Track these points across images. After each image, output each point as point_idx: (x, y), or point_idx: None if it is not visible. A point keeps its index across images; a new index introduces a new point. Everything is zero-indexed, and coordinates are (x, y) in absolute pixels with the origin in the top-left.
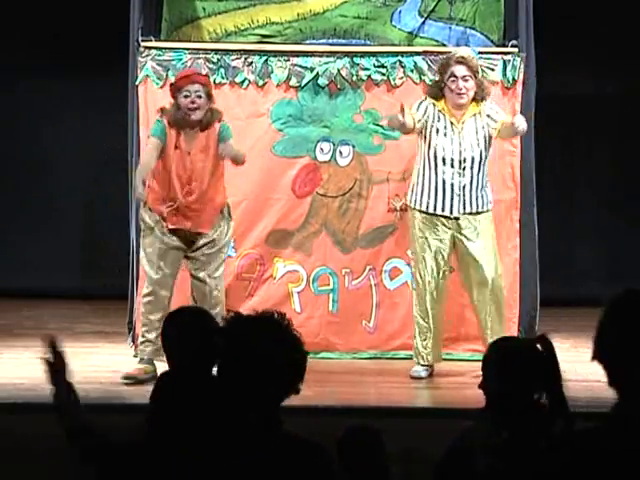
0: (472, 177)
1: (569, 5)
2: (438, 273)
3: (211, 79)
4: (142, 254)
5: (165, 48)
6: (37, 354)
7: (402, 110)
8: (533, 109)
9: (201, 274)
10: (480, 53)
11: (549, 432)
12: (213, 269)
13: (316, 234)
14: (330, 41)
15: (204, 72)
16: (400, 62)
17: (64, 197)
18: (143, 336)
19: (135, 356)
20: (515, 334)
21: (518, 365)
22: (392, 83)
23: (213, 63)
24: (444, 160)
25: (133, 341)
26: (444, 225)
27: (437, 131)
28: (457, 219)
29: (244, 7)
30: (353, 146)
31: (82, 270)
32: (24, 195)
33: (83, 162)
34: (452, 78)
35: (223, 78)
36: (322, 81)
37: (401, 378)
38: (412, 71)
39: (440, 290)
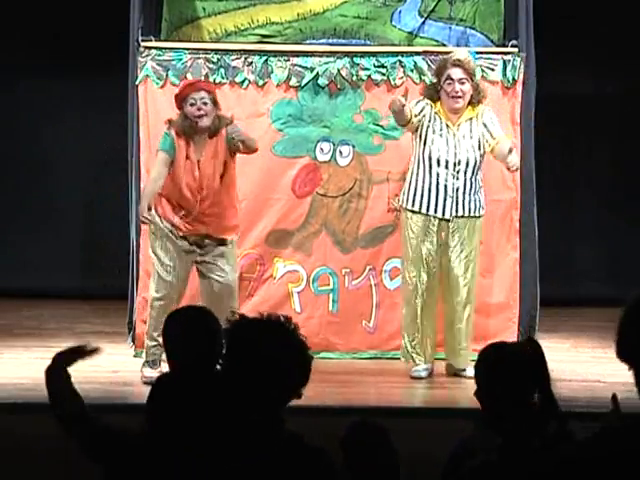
0: (466, 180)
1: (569, 5)
2: (428, 274)
3: (211, 79)
4: (153, 257)
5: (165, 48)
6: (37, 354)
7: (406, 93)
8: (533, 109)
9: (213, 275)
10: (480, 53)
11: (542, 432)
12: (224, 264)
13: (316, 234)
14: (330, 41)
15: (204, 72)
16: (400, 62)
17: (64, 197)
18: (155, 340)
19: (135, 356)
20: (515, 334)
21: (509, 369)
22: (392, 83)
23: (213, 63)
24: (439, 161)
25: (133, 341)
26: (435, 227)
27: (433, 132)
28: (448, 221)
29: (244, 7)
30: (353, 146)
31: (82, 270)
32: (24, 195)
33: (83, 162)
34: (448, 80)
35: (223, 78)
36: (322, 81)
37: (401, 378)
38: (412, 71)
39: (431, 291)
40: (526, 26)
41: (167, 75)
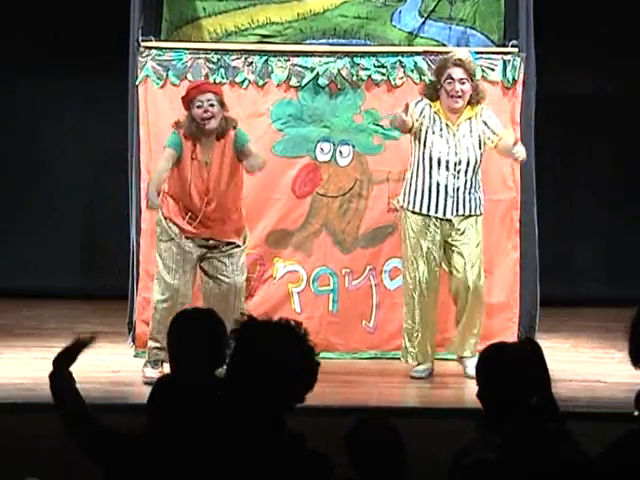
0: (466, 180)
1: (569, 5)
2: (429, 274)
3: (211, 79)
4: (158, 260)
5: (165, 48)
6: (37, 354)
7: (406, 109)
8: (533, 109)
9: (220, 275)
10: (480, 53)
11: (543, 433)
12: (232, 264)
13: (316, 234)
14: (330, 41)
15: (204, 72)
16: (400, 62)
17: (64, 197)
18: (158, 342)
19: (136, 356)
20: (515, 334)
21: (510, 370)
22: (392, 83)
23: (213, 63)
24: (439, 162)
25: (133, 341)
26: (436, 226)
27: (432, 133)
28: (449, 221)
29: (244, 7)
30: (353, 146)
31: (82, 270)
32: (24, 195)
33: (83, 162)
34: (449, 80)
35: (223, 78)
36: (322, 81)
37: (401, 378)
38: (412, 71)
39: (431, 291)
40: (526, 26)
41: (167, 75)
